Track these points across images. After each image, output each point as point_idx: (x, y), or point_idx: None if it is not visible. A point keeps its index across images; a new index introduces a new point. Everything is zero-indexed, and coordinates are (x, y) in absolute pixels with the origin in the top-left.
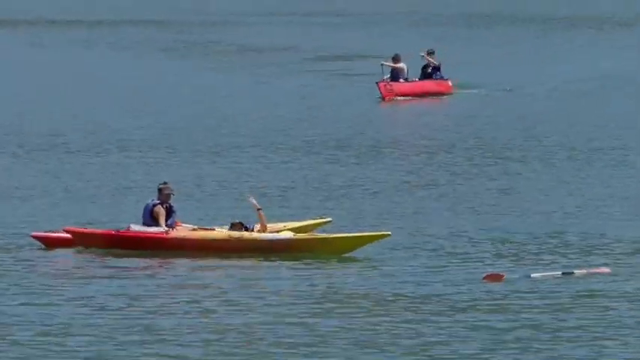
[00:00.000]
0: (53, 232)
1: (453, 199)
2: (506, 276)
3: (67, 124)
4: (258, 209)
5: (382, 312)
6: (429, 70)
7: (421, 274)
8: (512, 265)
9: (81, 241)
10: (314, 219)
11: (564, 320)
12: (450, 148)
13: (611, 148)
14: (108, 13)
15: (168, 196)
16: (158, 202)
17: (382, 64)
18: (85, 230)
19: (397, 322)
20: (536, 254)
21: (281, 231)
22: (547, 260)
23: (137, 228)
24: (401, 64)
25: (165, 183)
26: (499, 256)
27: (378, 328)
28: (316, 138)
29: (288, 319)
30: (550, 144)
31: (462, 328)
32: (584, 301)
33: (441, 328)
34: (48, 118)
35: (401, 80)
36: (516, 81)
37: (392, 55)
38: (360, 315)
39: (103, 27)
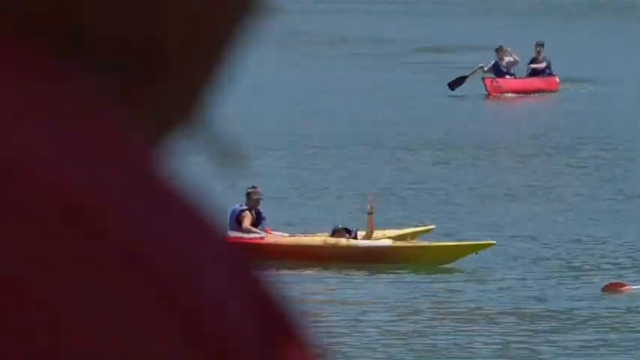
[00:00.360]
0: None
1: (565, 204)
2: (628, 287)
3: None
4: (369, 213)
5: (494, 327)
6: (540, 67)
7: (530, 286)
8: (634, 275)
9: None
10: (416, 226)
11: None
12: (558, 149)
13: None
14: None
15: (257, 201)
16: (246, 207)
17: (481, 67)
18: None
19: (511, 338)
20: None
21: (380, 239)
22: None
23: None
24: (509, 58)
25: (254, 187)
26: (619, 265)
27: (491, 343)
28: (417, 137)
29: (392, 334)
30: None
31: (580, 345)
32: None
33: (559, 346)
34: None
35: (507, 77)
36: (625, 75)
37: (495, 46)
38: (469, 330)
39: None
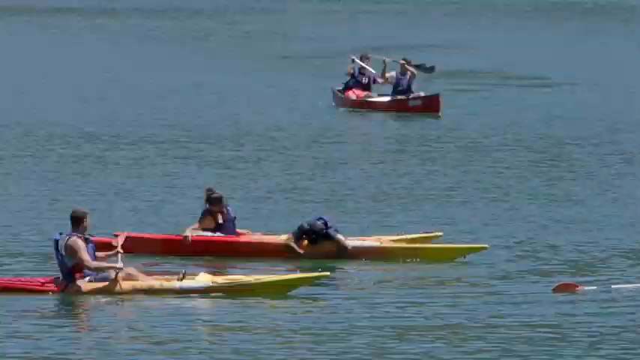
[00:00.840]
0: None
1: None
2: (580, 287)
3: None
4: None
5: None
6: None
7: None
8: (589, 276)
9: (138, 246)
10: (424, 233)
11: None
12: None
13: None
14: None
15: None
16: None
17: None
18: (144, 235)
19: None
20: (618, 266)
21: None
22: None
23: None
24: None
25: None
26: (577, 267)
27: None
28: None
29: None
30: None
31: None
32: None
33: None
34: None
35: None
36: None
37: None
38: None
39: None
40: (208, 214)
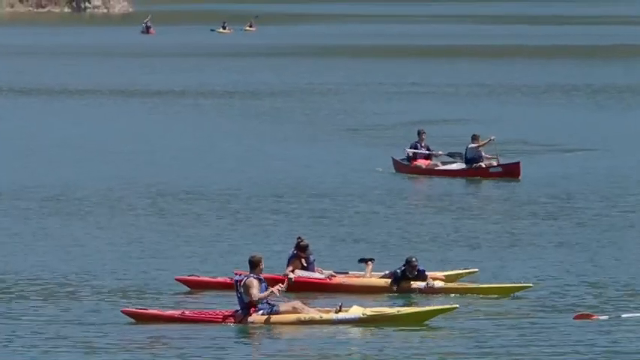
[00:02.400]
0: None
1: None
2: (596, 317)
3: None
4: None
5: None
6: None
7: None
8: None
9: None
10: (460, 269)
11: None
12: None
13: None
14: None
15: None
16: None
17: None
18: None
19: None
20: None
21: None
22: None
23: (302, 273)
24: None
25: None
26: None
27: None
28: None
29: None
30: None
31: None
32: None
33: None
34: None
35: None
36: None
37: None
38: None
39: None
40: (296, 258)
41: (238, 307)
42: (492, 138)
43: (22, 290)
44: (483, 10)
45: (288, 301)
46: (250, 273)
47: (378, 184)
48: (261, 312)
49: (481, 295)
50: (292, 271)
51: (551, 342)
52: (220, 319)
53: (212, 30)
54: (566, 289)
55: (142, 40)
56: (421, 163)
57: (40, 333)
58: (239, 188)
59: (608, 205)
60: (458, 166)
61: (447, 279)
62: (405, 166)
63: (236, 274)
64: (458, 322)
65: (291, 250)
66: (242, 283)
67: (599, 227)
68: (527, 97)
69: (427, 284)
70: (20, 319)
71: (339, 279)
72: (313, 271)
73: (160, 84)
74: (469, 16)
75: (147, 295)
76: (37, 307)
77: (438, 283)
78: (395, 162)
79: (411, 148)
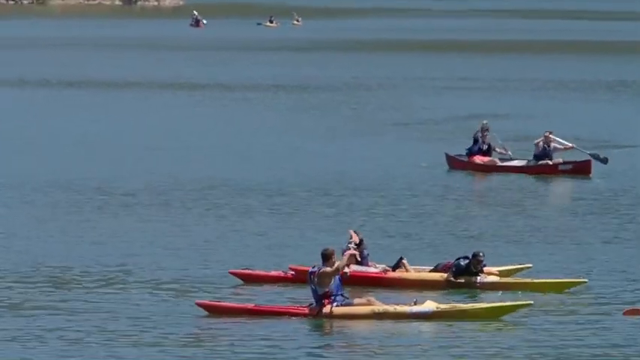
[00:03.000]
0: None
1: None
2: None
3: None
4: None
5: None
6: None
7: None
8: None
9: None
10: (514, 264)
11: None
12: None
13: None
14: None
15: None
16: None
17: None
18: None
19: None
20: None
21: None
22: None
23: (358, 268)
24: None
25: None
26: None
27: None
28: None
29: None
30: None
31: None
32: None
33: None
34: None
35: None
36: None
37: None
38: None
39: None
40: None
41: (313, 300)
42: (573, 145)
43: (79, 283)
44: (529, 4)
45: (361, 295)
46: (323, 265)
47: (427, 179)
48: (335, 304)
49: (536, 291)
50: (347, 266)
51: (603, 338)
52: (294, 312)
53: (259, 24)
54: (621, 285)
55: (190, 33)
56: (479, 159)
57: (103, 328)
58: (288, 183)
59: None
60: (519, 162)
61: (501, 274)
62: (461, 162)
63: (290, 268)
64: (516, 317)
65: (345, 244)
66: (316, 274)
67: None
68: (575, 92)
69: (482, 279)
70: (84, 314)
71: (394, 273)
72: (367, 265)
73: (207, 77)
74: (516, 10)
75: (203, 288)
76: (96, 300)
77: (493, 278)
78: (449, 157)
79: (473, 139)
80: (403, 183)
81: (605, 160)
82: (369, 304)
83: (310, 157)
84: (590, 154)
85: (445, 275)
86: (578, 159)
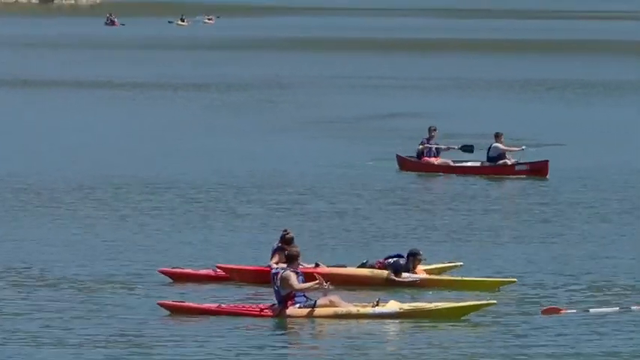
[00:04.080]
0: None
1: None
2: (564, 310)
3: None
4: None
5: None
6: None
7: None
8: (571, 300)
9: (237, 275)
10: (445, 262)
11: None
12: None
13: None
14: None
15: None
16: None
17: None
18: (239, 267)
19: None
20: (596, 292)
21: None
22: (605, 298)
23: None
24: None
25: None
26: (564, 291)
27: None
28: None
29: None
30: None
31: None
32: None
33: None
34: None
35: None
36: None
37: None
38: None
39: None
40: (280, 250)
41: (275, 301)
42: (523, 148)
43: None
44: (454, 3)
45: (325, 295)
46: (288, 266)
47: (365, 179)
48: (298, 305)
49: (467, 290)
50: (277, 263)
51: (524, 337)
52: (257, 312)
53: (170, 22)
54: (549, 284)
55: (105, 32)
56: (432, 160)
57: (22, 329)
58: (210, 182)
59: (595, 199)
60: (473, 163)
61: (431, 272)
62: (414, 163)
63: (218, 267)
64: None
65: (275, 243)
66: (279, 276)
67: (591, 222)
68: (496, 90)
69: (416, 277)
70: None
71: (326, 269)
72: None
73: (123, 76)
74: (440, 9)
75: (132, 287)
76: (21, 299)
77: (426, 276)
78: (400, 159)
79: (420, 145)
80: (330, 181)
81: (470, 148)
82: (332, 305)
83: (230, 156)
84: (460, 147)
85: (376, 272)
86: (537, 159)
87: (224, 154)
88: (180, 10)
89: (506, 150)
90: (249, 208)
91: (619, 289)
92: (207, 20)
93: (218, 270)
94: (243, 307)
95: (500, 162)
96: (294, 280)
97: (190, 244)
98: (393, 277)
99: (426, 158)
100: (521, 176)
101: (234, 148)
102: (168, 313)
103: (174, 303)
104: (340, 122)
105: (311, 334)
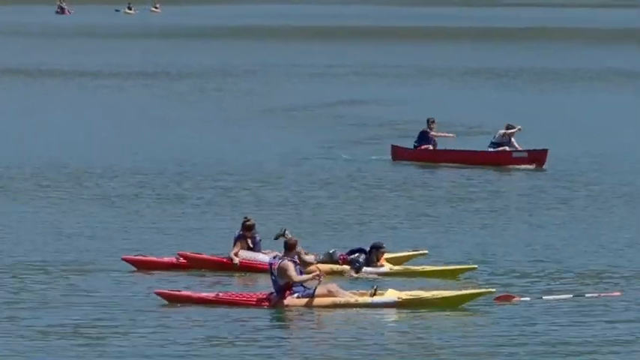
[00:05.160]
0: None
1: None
2: (517, 298)
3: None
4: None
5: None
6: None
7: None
8: (526, 288)
9: (197, 264)
10: (409, 251)
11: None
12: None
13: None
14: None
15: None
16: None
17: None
18: (200, 256)
19: None
20: (551, 279)
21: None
22: (560, 284)
23: (246, 255)
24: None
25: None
26: (518, 278)
27: None
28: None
29: None
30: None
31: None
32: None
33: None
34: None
35: None
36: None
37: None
38: None
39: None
40: (242, 238)
41: (273, 290)
42: (519, 128)
43: None
44: None
45: (323, 284)
46: (285, 255)
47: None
48: (296, 295)
49: (429, 278)
50: (236, 254)
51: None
52: (255, 302)
53: (117, 10)
54: (508, 271)
55: (56, 20)
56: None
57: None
58: (168, 171)
59: (553, 187)
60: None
61: (397, 261)
62: (408, 152)
63: (179, 255)
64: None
65: (237, 231)
66: (276, 266)
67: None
68: (440, 78)
69: (378, 269)
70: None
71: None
72: (259, 251)
73: (72, 64)
74: None
75: (96, 275)
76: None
77: (387, 268)
78: (395, 149)
79: (418, 137)
80: (285, 170)
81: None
82: (330, 294)
83: (180, 145)
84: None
85: (338, 268)
86: (536, 148)
87: (173, 142)
88: None
89: (507, 134)
90: (206, 196)
91: (574, 276)
92: (153, 9)
93: (179, 258)
94: (241, 296)
95: (500, 149)
96: (292, 270)
97: (152, 232)
98: (353, 274)
99: (424, 147)
100: (519, 166)
101: (183, 136)
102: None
103: (172, 292)
104: (291, 110)
105: (309, 323)
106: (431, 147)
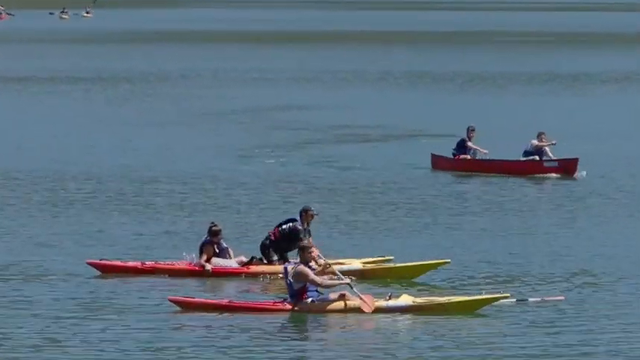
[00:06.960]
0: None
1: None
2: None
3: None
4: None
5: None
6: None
7: None
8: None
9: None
10: (378, 257)
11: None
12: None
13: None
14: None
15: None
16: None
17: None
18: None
19: None
20: (497, 284)
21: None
22: (504, 289)
23: (219, 262)
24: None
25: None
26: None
27: None
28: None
29: None
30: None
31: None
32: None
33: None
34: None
35: None
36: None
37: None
38: None
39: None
40: (209, 244)
41: (287, 295)
42: (554, 142)
43: None
44: None
45: (336, 289)
46: (301, 260)
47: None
48: (310, 299)
49: (400, 275)
50: (208, 260)
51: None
52: (269, 307)
53: (51, 13)
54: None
55: None
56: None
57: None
58: (96, 174)
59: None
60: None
61: (364, 265)
62: (447, 161)
63: (144, 264)
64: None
65: (203, 237)
66: (293, 270)
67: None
68: (378, 82)
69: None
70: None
71: (258, 267)
72: (225, 256)
73: (5, 70)
74: (327, 2)
75: (61, 279)
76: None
77: (356, 268)
78: (435, 158)
79: (457, 146)
80: (233, 173)
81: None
82: (344, 299)
83: (114, 149)
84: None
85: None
86: (565, 157)
87: (106, 147)
88: (63, 2)
89: (542, 145)
90: (159, 201)
91: (529, 279)
92: (85, 14)
93: (146, 262)
94: (256, 302)
95: (530, 158)
96: (312, 275)
97: (113, 238)
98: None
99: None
100: (551, 174)
101: (116, 140)
102: (177, 309)
103: (185, 299)
104: (224, 115)
105: (324, 328)
106: (469, 157)
